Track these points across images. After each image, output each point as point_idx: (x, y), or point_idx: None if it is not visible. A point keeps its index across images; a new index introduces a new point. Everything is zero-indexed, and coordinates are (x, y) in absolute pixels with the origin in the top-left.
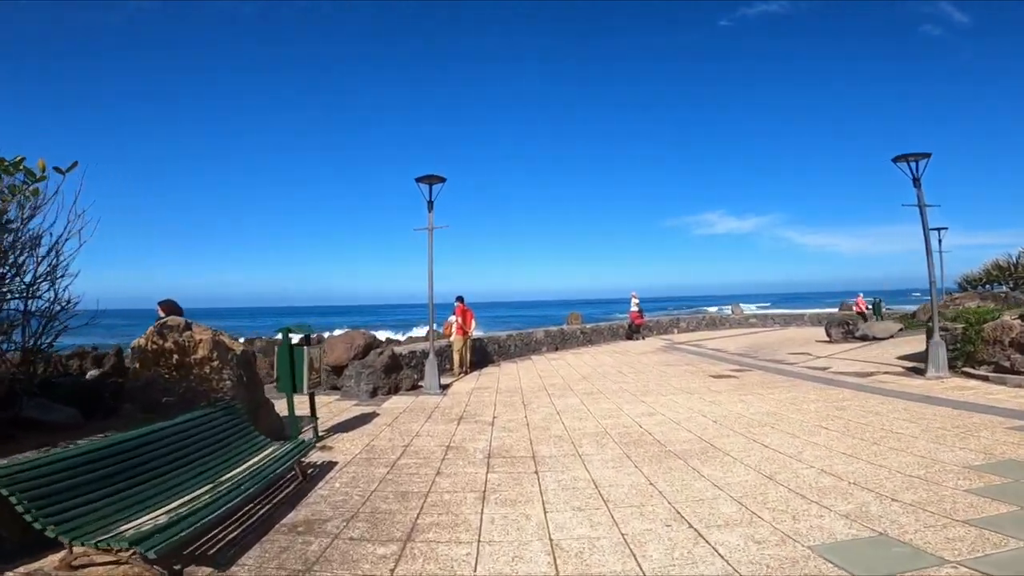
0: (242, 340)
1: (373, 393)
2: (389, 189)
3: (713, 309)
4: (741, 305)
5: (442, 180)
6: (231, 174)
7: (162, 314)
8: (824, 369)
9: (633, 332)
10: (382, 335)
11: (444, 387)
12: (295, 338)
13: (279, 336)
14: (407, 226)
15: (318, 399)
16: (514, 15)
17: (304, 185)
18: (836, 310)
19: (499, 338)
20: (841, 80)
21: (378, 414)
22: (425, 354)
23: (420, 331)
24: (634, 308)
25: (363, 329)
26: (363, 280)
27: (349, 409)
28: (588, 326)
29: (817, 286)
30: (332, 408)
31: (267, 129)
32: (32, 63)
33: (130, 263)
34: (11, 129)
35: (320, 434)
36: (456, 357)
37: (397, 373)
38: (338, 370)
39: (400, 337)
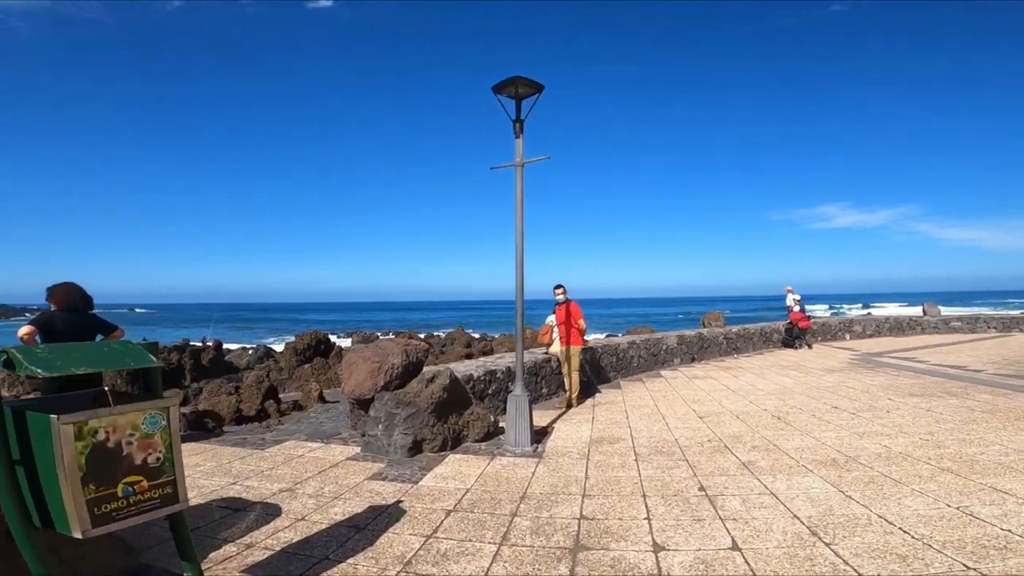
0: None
1: (414, 449)
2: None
3: (858, 309)
4: (938, 305)
5: (538, 89)
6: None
7: (53, 306)
8: None
9: (794, 338)
10: (476, 334)
11: (540, 435)
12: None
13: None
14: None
15: (320, 453)
16: (620, 6)
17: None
18: None
19: (616, 346)
20: (983, 58)
21: (404, 511)
22: (512, 374)
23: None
24: (795, 307)
25: (459, 328)
26: (480, 275)
27: (358, 487)
28: (733, 330)
29: (961, 284)
30: (331, 480)
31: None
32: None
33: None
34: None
35: None
36: (567, 380)
37: (459, 413)
38: (363, 404)
39: (495, 335)
